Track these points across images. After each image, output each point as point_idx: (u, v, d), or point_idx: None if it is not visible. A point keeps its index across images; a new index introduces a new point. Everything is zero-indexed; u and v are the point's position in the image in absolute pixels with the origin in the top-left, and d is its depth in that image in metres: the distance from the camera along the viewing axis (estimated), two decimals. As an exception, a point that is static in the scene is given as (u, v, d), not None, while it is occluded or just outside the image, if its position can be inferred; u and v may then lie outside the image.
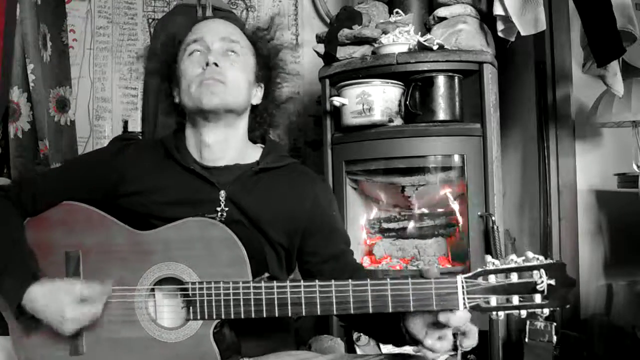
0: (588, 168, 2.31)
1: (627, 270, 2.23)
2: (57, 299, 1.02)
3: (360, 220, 2.20)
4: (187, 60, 1.14)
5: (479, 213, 1.91)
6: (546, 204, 2.33)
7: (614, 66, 1.90)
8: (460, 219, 2.04)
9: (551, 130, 2.33)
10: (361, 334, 2.03)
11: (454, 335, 0.97)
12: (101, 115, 2.82)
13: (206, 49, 1.13)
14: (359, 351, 2.02)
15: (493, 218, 1.89)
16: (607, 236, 2.31)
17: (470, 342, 0.96)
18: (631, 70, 2.10)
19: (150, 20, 2.86)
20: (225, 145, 1.17)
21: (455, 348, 0.98)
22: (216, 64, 1.11)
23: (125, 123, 2.80)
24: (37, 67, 2.23)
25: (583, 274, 2.29)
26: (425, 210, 2.13)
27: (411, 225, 2.12)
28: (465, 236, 1.95)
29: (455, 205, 2.07)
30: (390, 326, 1.02)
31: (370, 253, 2.16)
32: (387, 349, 2.01)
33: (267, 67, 1.23)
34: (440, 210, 2.12)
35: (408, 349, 2.06)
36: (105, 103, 2.82)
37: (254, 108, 1.25)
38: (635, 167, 2.00)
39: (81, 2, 2.80)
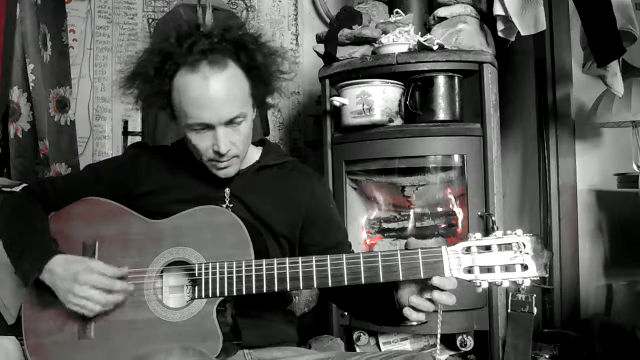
0: (588, 168, 2.31)
1: (627, 270, 2.23)
2: (73, 267, 1.10)
3: (360, 220, 2.20)
4: (193, 133, 1.13)
5: (479, 213, 1.91)
6: (546, 204, 2.33)
7: (614, 66, 1.90)
8: (460, 219, 2.04)
9: (551, 130, 2.33)
10: (361, 333, 2.04)
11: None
12: (101, 115, 2.82)
13: (211, 128, 1.12)
14: (358, 351, 2.02)
15: (493, 218, 1.89)
16: (607, 236, 2.31)
17: (451, 299, 1.02)
18: (631, 70, 2.10)
19: (150, 20, 2.86)
20: None
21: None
22: (229, 149, 1.13)
23: (125, 123, 2.80)
24: (37, 67, 2.23)
25: (583, 274, 2.29)
26: (426, 210, 2.13)
27: (411, 225, 2.12)
28: (465, 236, 1.94)
29: (455, 205, 2.07)
30: (385, 306, 1.10)
31: (370, 253, 2.16)
32: (387, 348, 2.02)
33: (264, 81, 1.19)
34: (440, 210, 2.12)
35: (407, 347, 2.07)
36: (105, 103, 2.82)
37: None
38: (635, 167, 2.00)
39: (81, 2, 2.80)
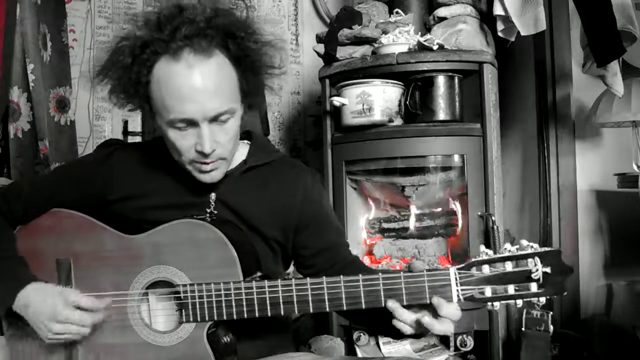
0: (588, 168, 2.31)
1: (627, 270, 2.23)
2: (51, 301, 1.03)
3: (360, 220, 2.20)
4: (172, 131, 1.02)
5: (479, 213, 1.91)
6: (546, 204, 2.33)
7: (614, 66, 1.90)
8: (460, 219, 2.04)
9: (551, 130, 2.33)
10: (361, 334, 2.04)
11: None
12: (101, 115, 2.81)
13: (195, 125, 1.00)
14: (358, 351, 2.02)
15: (493, 218, 1.89)
16: (607, 236, 2.31)
17: (443, 327, 0.94)
18: (631, 70, 2.10)
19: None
20: None
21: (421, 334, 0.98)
22: (214, 149, 1.02)
23: (125, 123, 2.79)
24: (37, 67, 2.23)
25: (583, 274, 2.29)
26: (426, 210, 2.12)
27: (411, 225, 2.12)
28: (465, 236, 1.95)
29: (455, 205, 2.07)
30: (385, 323, 1.01)
31: (370, 253, 2.16)
32: (387, 349, 2.02)
33: (253, 73, 1.07)
34: (440, 210, 2.12)
35: (407, 347, 2.06)
36: (105, 103, 2.81)
37: None
38: (635, 167, 2.00)
39: (81, 2, 2.80)
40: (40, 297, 1.04)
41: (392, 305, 0.94)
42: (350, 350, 2.04)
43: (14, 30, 2.14)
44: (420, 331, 0.96)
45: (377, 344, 2.05)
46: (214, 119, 1.00)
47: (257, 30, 1.06)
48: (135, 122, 2.79)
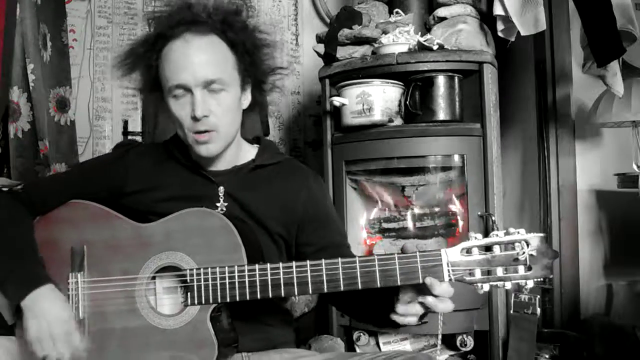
0: (588, 168, 2.31)
1: (627, 270, 2.23)
2: (54, 325, 1.06)
3: (360, 220, 2.20)
4: (173, 101, 1.14)
5: (479, 213, 1.91)
6: (546, 204, 2.33)
7: (614, 66, 1.90)
8: (460, 219, 2.04)
9: (551, 130, 2.33)
10: (361, 334, 2.04)
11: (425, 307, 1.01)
12: (101, 115, 2.82)
13: (189, 91, 1.12)
14: (358, 351, 2.02)
15: (493, 218, 1.89)
16: (607, 236, 2.31)
17: (443, 305, 0.99)
18: (631, 70, 2.10)
19: (150, 21, 2.85)
20: (221, 156, 1.20)
21: (425, 314, 1.02)
22: (206, 115, 1.11)
23: (125, 123, 2.80)
24: (37, 67, 2.22)
25: (583, 274, 2.29)
26: (426, 210, 2.13)
27: (411, 225, 2.12)
28: (465, 236, 1.94)
29: (455, 205, 2.07)
30: (384, 311, 1.05)
31: (370, 253, 2.16)
32: (387, 349, 2.02)
33: (251, 59, 1.18)
34: (440, 210, 2.12)
35: (407, 347, 2.06)
36: (105, 103, 2.82)
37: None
38: (635, 167, 2.00)
39: (81, 2, 2.80)
40: (47, 306, 1.07)
41: (404, 308, 1.00)
42: (350, 350, 2.04)
43: (14, 30, 2.14)
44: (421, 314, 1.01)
45: (377, 344, 2.05)
46: (206, 86, 1.11)
47: (256, 25, 1.19)
48: (136, 122, 2.79)
